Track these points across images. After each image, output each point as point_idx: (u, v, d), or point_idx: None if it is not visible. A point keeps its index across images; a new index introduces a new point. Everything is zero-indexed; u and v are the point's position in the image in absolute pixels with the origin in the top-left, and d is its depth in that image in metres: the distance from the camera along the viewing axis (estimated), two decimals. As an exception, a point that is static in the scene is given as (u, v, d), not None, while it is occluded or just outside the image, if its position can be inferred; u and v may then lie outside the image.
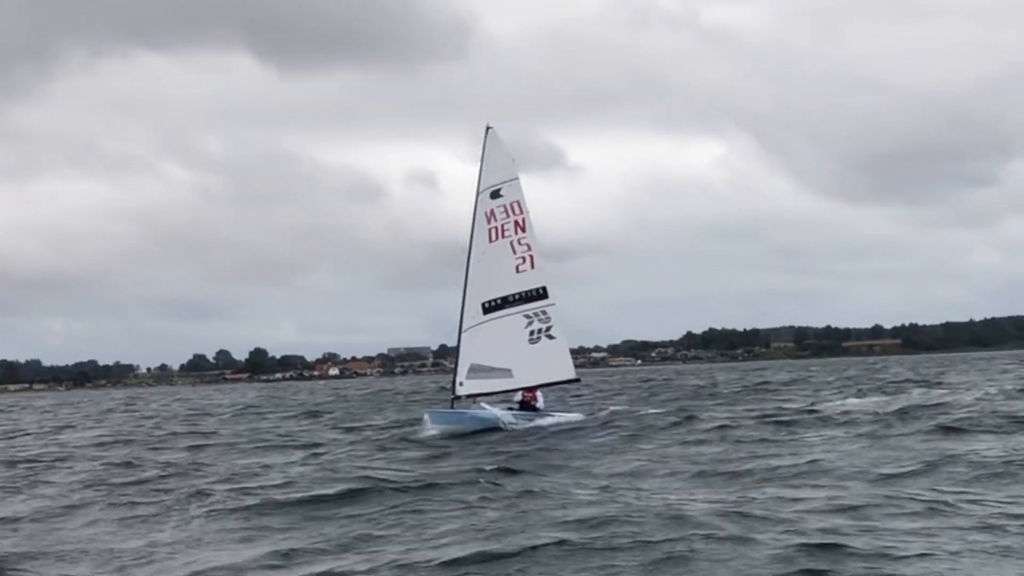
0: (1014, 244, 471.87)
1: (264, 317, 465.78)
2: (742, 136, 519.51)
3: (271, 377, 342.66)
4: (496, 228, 51.62)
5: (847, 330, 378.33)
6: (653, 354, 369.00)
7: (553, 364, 51.15)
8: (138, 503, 27.26)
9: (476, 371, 51.08)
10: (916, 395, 60.17)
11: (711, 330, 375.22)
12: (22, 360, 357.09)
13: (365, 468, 33.07)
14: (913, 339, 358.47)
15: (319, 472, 32.66)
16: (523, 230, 51.63)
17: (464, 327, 51.46)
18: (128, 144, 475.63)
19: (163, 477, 33.15)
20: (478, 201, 51.92)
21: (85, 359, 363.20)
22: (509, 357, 50.97)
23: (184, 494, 27.90)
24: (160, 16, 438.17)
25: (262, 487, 28.91)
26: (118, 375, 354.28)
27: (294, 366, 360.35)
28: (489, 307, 51.41)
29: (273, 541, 21.42)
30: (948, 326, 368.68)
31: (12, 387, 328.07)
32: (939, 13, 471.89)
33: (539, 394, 51.30)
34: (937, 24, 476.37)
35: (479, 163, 52.16)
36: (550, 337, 51.22)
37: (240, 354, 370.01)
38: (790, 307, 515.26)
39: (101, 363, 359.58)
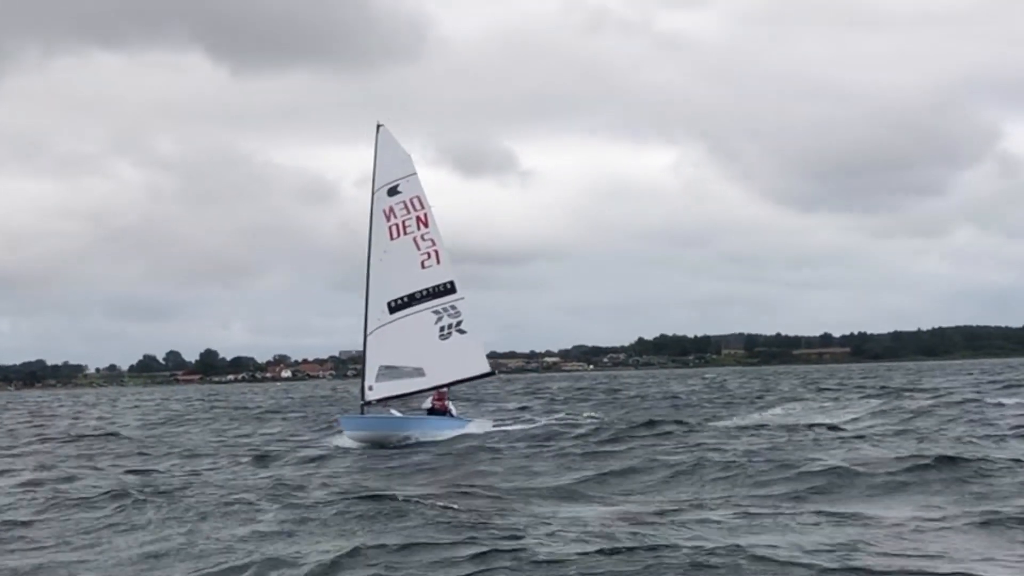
0: (962, 254, 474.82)
1: (214, 318, 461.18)
2: (694, 142, 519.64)
3: (223, 379, 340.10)
4: (397, 225, 50.20)
5: (797, 338, 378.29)
6: (605, 359, 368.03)
7: (466, 359, 49.60)
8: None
9: (386, 373, 49.53)
10: (909, 402, 59.25)
11: (662, 336, 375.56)
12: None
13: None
14: (862, 348, 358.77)
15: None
16: (426, 225, 50.21)
17: (369, 329, 49.91)
18: (79, 143, 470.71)
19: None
20: (374, 200, 50.51)
21: (33, 358, 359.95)
22: (420, 355, 49.44)
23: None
24: (114, 14, 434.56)
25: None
26: (67, 375, 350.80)
27: (246, 368, 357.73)
28: (395, 306, 49.93)
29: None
30: (897, 335, 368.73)
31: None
32: (891, 21, 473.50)
33: (449, 402, 49.78)
34: (889, 32, 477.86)
35: (372, 162, 50.80)
36: (461, 332, 49.68)
37: (190, 355, 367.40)
38: (740, 314, 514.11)
39: (49, 363, 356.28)
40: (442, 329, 49.42)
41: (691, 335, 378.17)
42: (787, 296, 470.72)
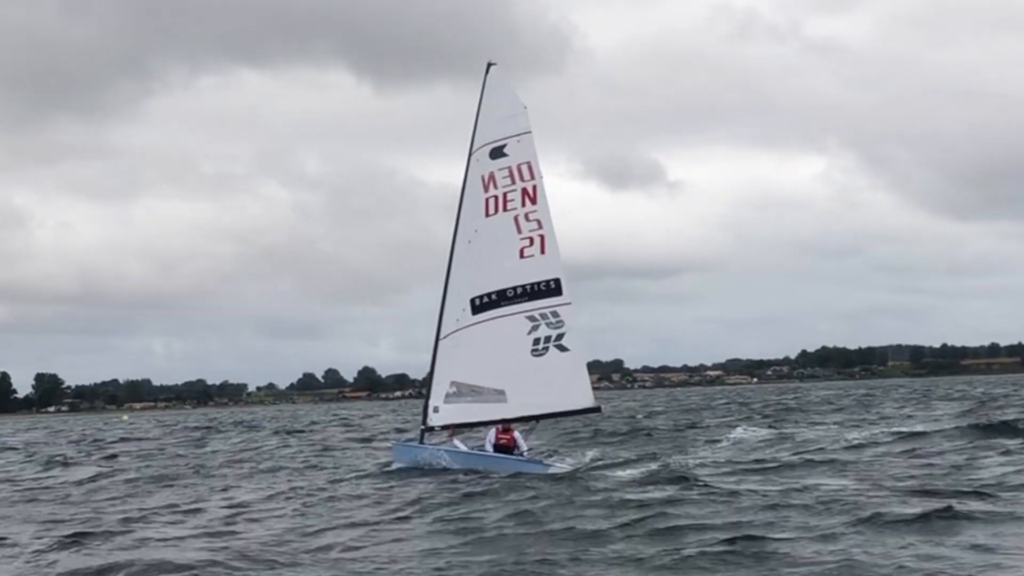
0: None
1: (364, 335, 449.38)
2: (844, 150, 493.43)
3: (390, 395, 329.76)
4: (496, 198, 36.35)
5: (963, 348, 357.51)
6: (769, 372, 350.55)
7: (564, 386, 35.29)
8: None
9: (459, 392, 35.67)
10: None
11: (824, 348, 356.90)
12: (131, 379, 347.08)
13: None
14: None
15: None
16: (534, 201, 36.16)
17: (443, 332, 36.10)
18: (226, 162, 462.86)
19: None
20: (470, 162, 36.59)
21: (192, 378, 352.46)
22: (504, 373, 35.55)
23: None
24: (258, 32, 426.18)
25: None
26: (232, 394, 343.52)
27: (412, 384, 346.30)
28: (480, 304, 36.13)
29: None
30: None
31: (137, 405, 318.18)
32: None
33: (518, 434, 35.49)
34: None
35: (475, 111, 37.18)
36: (561, 348, 35.52)
37: (347, 373, 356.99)
38: (898, 325, 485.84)
39: (209, 382, 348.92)
40: (536, 342, 35.52)
41: (850, 347, 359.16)
42: (945, 306, 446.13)
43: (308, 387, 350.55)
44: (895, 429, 46.48)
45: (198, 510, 28.13)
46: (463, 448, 35.40)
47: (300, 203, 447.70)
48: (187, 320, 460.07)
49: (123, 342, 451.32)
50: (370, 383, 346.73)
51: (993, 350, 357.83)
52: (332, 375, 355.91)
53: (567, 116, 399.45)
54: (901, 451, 37.11)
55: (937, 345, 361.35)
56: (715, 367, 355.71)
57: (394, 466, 35.99)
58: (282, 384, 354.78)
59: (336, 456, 46.22)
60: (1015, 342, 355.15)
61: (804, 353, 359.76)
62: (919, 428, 46.51)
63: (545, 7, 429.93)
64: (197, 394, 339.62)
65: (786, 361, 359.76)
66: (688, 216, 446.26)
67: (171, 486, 34.89)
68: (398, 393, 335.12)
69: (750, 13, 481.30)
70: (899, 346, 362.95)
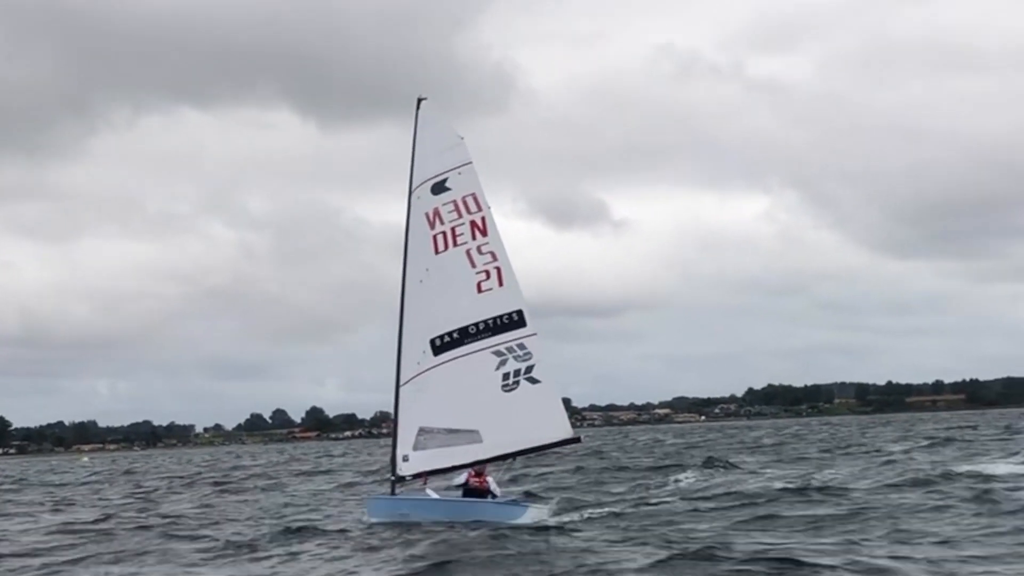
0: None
1: (311, 375, 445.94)
2: (787, 189, 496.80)
3: (339, 435, 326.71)
4: (444, 234, 34.86)
5: (908, 385, 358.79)
6: (716, 410, 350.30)
7: (539, 420, 33.88)
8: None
9: (428, 438, 34.05)
10: None
11: (771, 386, 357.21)
12: (77, 421, 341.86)
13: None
14: (977, 394, 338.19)
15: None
16: (484, 233, 34.84)
17: (404, 378, 34.49)
18: (171, 202, 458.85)
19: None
20: (411, 200, 35.18)
21: (138, 419, 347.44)
22: (475, 413, 34.15)
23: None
24: (201, 72, 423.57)
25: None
26: (179, 435, 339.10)
27: (361, 424, 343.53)
28: (442, 344, 34.55)
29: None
30: (1009, 381, 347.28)
31: (85, 447, 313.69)
32: (988, 63, 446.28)
33: (490, 477, 34.07)
34: (986, 74, 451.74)
35: (411, 149, 35.70)
36: (532, 381, 34.18)
37: (294, 413, 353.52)
38: (842, 362, 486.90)
39: (155, 423, 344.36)
40: (506, 377, 34.15)
41: (796, 385, 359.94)
42: (887, 343, 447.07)
43: (256, 427, 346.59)
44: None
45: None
46: (435, 496, 33.84)
47: (245, 243, 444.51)
48: (132, 361, 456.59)
49: (68, 384, 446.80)
50: (319, 423, 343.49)
51: (937, 387, 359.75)
52: (280, 415, 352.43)
53: (511, 155, 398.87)
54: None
55: (882, 382, 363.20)
56: (662, 405, 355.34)
57: (369, 519, 34.15)
58: (229, 425, 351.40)
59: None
60: (959, 379, 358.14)
61: (751, 391, 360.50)
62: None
63: (488, 46, 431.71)
64: (145, 435, 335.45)
65: (733, 399, 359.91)
66: (633, 255, 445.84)
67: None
68: (347, 433, 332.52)
69: (692, 53, 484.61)
70: (844, 383, 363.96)
